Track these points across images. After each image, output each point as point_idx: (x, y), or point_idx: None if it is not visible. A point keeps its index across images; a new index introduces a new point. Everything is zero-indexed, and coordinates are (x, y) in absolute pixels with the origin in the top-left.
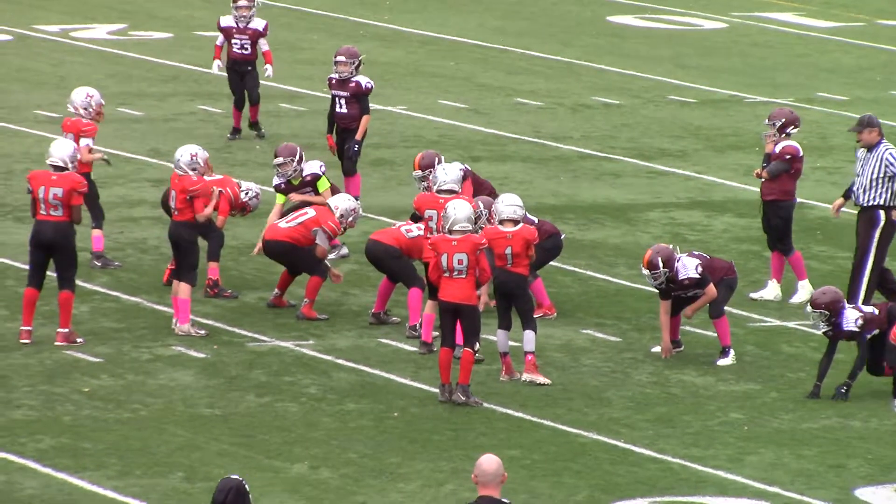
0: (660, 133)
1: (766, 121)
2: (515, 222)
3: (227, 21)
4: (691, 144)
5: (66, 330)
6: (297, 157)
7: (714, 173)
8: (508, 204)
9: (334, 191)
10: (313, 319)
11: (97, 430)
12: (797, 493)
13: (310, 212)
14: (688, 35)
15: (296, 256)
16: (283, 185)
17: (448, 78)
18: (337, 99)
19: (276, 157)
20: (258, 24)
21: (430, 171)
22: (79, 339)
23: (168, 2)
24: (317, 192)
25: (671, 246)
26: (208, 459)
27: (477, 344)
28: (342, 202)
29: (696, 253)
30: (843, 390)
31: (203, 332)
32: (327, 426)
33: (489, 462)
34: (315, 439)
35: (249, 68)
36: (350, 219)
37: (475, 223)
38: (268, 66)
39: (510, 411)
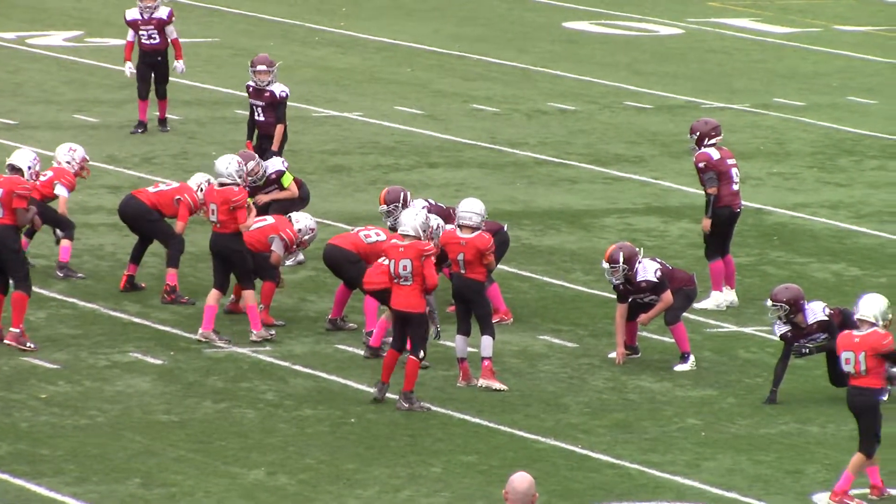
0: (616, 139)
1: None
2: (473, 229)
3: (133, 14)
4: (648, 150)
5: (17, 330)
6: (257, 159)
7: (670, 179)
8: (465, 210)
9: (298, 183)
10: (270, 325)
11: (54, 437)
12: (755, 498)
13: (269, 219)
14: (644, 41)
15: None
16: (248, 189)
17: (404, 84)
18: (254, 107)
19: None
20: (163, 12)
21: (395, 206)
22: (29, 344)
23: (124, 9)
24: (282, 189)
25: (637, 248)
26: (165, 465)
27: (422, 352)
28: (303, 220)
29: (660, 260)
30: (805, 350)
31: (273, 333)
32: (284, 432)
33: (521, 480)
34: (272, 445)
35: (160, 59)
36: (306, 237)
37: (424, 232)
38: (178, 61)
39: (467, 417)
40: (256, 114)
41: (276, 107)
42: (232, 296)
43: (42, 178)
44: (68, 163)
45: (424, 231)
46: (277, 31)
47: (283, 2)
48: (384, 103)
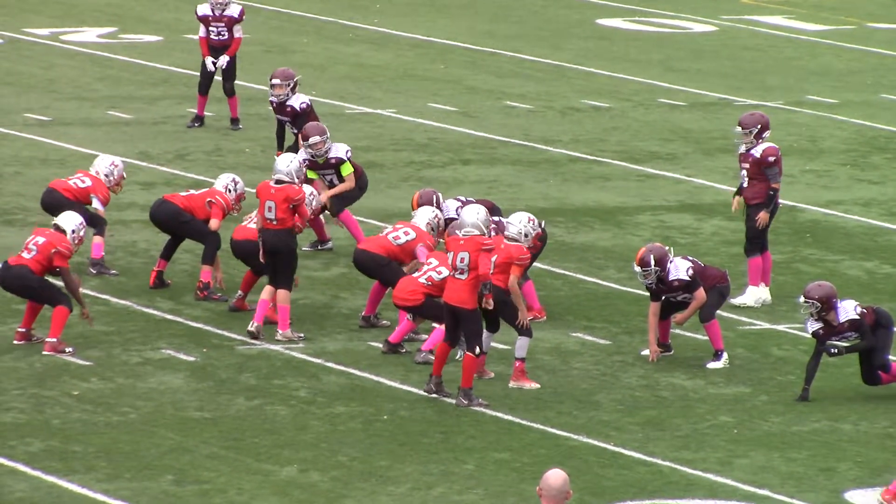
0: (649, 136)
1: (740, 128)
2: (512, 239)
3: (204, 9)
4: (681, 147)
5: (54, 340)
6: (327, 136)
7: (704, 176)
8: (509, 221)
9: (358, 172)
10: (275, 322)
11: (87, 434)
12: (787, 495)
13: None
14: (677, 38)
15: None
16: (307, 162)
17: (438, 81)
18: (281, 121)
19: (305, 137)
20: (234, 10)
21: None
22: (68, 349)
23: (158, 5)
24: (340, 176)
25: (666, 247)
26: (198, 463)
27: (478, 348)
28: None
29: (691, 258)
30: (834, 350)
31: (301, 335)
32: (317, 429)
33: (555, 477)
34: (305, 442)
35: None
36: (314, 204)
37: (486, 228)
38: (224, 56)
39: (500, 414)
40: (288, 126)
41: (297, 118)
42: (239, 292)
43: (80, 185)
44: (106, 176)
45: (486, 227)
46: (311, 27)
47: None
48: (418, 100)
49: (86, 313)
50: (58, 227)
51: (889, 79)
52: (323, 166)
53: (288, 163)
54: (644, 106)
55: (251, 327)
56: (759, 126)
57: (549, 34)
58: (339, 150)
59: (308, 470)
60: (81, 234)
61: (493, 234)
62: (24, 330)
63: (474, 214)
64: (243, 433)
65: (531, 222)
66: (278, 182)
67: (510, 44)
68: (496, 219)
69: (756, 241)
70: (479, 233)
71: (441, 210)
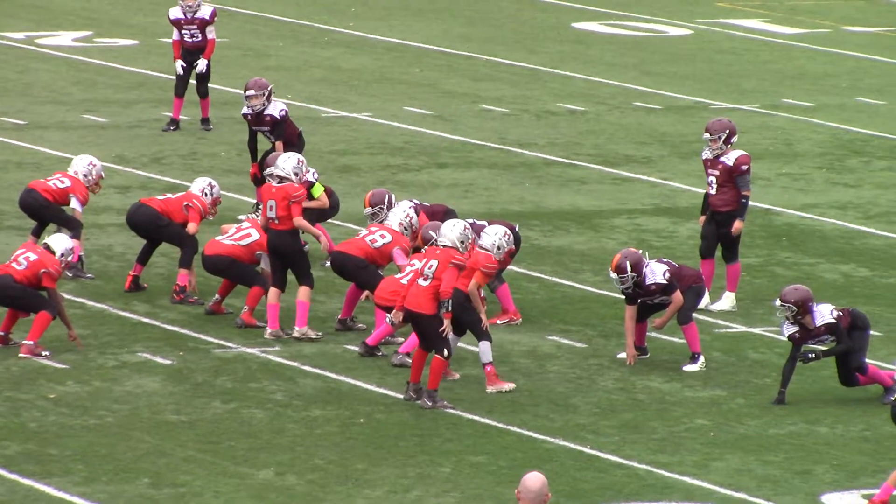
0: (625, 139)
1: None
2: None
3: (176, 13)
4: (656, 151)
5: (31, 343)
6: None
7: (679, 180)
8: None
9: (328, 192)
10: (252, 326)
11: (63, 437)
12: (764, 498)
13: (254, 234)
14: (653, 41)
15: (235, 271)
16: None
17: (413, 84)
18: (259, 133)
19: (268, 165)
20: (205, 11)
21: (380, 208)
22: (44, 353)
23: (133, 9)
24: (311, 199)
25: (640, 251)
26: (174, 466)
27: (445, 350)
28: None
29: (665, 260)
30: (811, 355)
31: (320, 334)
32: (293, 432)
33: (534, 480)
34: (281, 445)
35: (201, 57)
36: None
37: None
38: (202, 60)
39: (476, 417)
40: (267, 137)
41: (277, 126)
42: (217, 295)
43: (60, 185)
44: (85, 176)
45: (462, 243)
46: (287, 31)
47: (293, 2)
48: (393, 104)
49: (73, 335)
50: (48, 248)
51: (865, 82)
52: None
53: (286, 160)
54: (620, 109)
55: (267, 334)
56: (727, 131)
57: (524, 38)
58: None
59: (285, 473)
60: (69, 259)
61: (468, 251)
62: (1, 334)
63: (454, 229)
64: (220, 436)
65: (506, 236)
66: (280, 181)
67: (486, 47)
68: (472, 222)
69: (734, 248)
70: (453, 247)
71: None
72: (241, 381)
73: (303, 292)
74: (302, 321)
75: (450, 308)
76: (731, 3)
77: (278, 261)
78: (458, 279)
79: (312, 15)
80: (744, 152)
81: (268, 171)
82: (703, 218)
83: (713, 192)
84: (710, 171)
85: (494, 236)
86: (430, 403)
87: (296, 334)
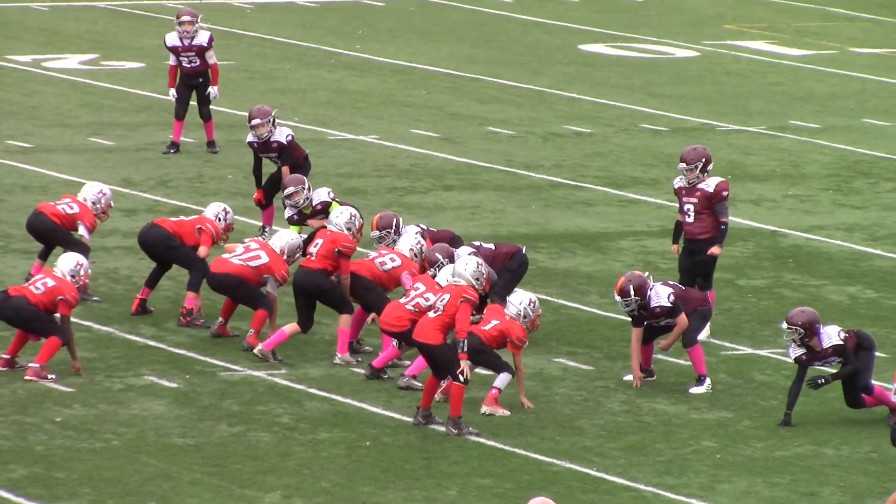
0: (631, 161)
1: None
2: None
3: (172, 39)
4: (663, 173)
5: (37, 365)
6: (307, 185)
7: None
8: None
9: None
10: (227, 336)
11: (70, 460)
12: None
13: (263, 257)
14: (660, 63)
15: (242, 292)
16: (295, 217)
17: (420, 107)
18: (265, 159)
19: (284, 188)
20: (203, 38)
21: (388, 232)
22: (50, 376)
23: (140, 32)
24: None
25: (645, 274)
26: (181, 489)
27: (461, 376)
28: (286, 240)
29: (672, 283)
30: (821, 381)
31: (360, 359)
32: (300, 455)
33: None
34: (288, 468)
35: (201, 80)
36: (296, 255)
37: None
38: (213, 87)
39: (483, 440)
40: (274, 162)
41: (284, 151)
42: (220, 318)
43: (68, 211)
44: (94, 203)
45: (476, 280)
46: (293, 53)
47: (299, 25)
48: (400, 126)
49: (77, 366)
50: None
51: (871, 103)
52: (311, 216)
53: (338, 214)
54: (626, 131)
55: (257, 351)
56: (703, 160)
57: (531, 59)
58: (321, 194)
59: (291, 496)
60: (83, 274)
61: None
62: (8, 356)
63: (467, 267)
64: (226, 459)
65: (532, 304)
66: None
67: (492, 69)
68: (478, 244)
69: (710, 276)
70: (466, 284)
71: (400, 234)
72: (247, 403)
73: (343, 320)
74: (343, 348)
75: (465, 349)
76: (738, 25)
77: (303, 300)
78: (491, 337)
79: (319, 38)
80: (722, 179)
81: (328, 222)
82: (675, 247)
83: (690, 219)
84: (685, 199)
85: (520, 305)
86: (455, 431)
87: (337, 360)
